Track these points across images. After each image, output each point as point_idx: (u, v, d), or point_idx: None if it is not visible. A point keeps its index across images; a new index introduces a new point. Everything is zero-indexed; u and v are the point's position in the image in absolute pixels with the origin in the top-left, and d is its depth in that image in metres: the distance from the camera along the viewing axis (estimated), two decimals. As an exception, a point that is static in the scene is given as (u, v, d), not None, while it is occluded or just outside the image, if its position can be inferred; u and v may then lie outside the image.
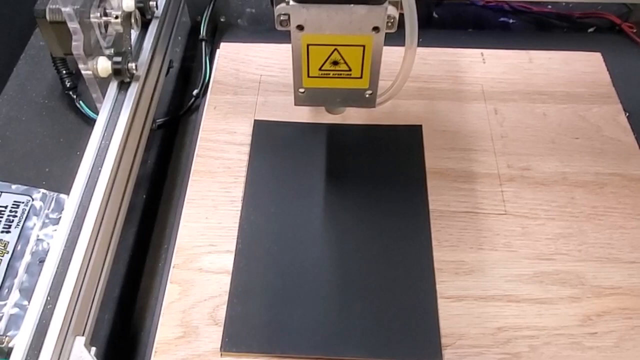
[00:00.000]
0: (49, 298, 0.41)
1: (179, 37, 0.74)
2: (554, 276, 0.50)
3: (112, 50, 0.52)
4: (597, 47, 0.68)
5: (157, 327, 0.48)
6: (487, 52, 0.67)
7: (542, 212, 0.54)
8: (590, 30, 0.76)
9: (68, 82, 0.65)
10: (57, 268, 0.42)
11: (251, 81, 0.64)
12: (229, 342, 0.46)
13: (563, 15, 0.77)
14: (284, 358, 0.46)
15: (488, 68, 0.66)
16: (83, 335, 0.42)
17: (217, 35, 0.74)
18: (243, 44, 0.68)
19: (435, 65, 0.66)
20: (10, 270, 0.52)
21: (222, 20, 0.76)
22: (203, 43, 0.71)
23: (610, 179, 0.56)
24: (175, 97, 0.69)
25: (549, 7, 0.77)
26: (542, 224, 0.53)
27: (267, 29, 0.76)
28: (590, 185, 0.56)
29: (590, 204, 0.54)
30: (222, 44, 0.68)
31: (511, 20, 0.78)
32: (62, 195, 0.58)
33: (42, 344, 0.39)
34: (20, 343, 0.39)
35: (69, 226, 0.44)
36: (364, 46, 0.43)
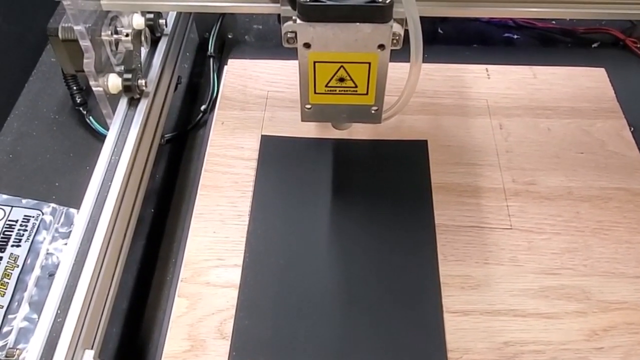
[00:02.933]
0: (59, 311, 0.41)
1: (187, 53, 0.75)
2: (560, 291, 0.50)
3: (122, 67, 0.53)
4: (601, 62, 0.69)
5: (164, 341, 0.48)
6: (492, 67, 0.68)
7: (548, 226, 0.54)
8: (594, 45, 0.77)
9: (78, 98, 0.66)
10: (67, 282, 0.43)
11: (258, 97, 0.65)
12: (236, 356, 0.46)
13: (567, 30, 0.78)
14: (291, 372, 0.47)
15: (492, 83, 0.66)
16: (92, 348, 0.43)
17: (224, 51, 0.75)
18: (250, 60, 0.69)
19: (440, 81, 0.66)
20: (20, 284, 0.53)
21: (229, 36, 0.77)
22: (211, 59, 0.72)
23: (615, 194, 0.56)
24: (183, 112, 0.70)
25: (553, 22, 0.78)
26: (547, 238, 0.53)
27: (273, 45, 0.77)
28: (595, 199, 0.56)
29: (595, 218, 0.54)
30: (230, 61, 0.69)
31: (515, 36, 0.78)
32: (72, 210, 0.59)
33: (52, 357, 0.39)
34: (30, 356, 0.39)
35: (79, 240, 0.45)
36: (369, 63, 0.44)
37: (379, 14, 0.40)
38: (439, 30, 0.79)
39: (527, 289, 0.50)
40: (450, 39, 0.78)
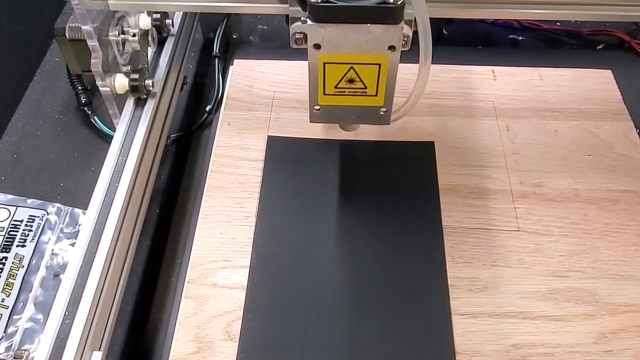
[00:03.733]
0: (67, 313, 0.41)
1: (192, 54, 0.75)
2: (568, 293, 0.50)
3: (129, 68, 0.52)
4: (606, 63, 0.69)
5: (171, 342, 0.48)
6: (498, 69, 0.68)
7: (555, 228, 0.54)
8: (600, 47, 0.76)
9: (83, 97, 0.66)
10: (75, 283, 0.42)
11: (264, 97, 0.64)
12: (244, 358, 0.46)
13: (572, 32, 0.78)
14: (299, 374, 0.46)
15: (499, 85, 0.66)
16: (100, 350, 0.42)
17: (229, 51, 0.75)
18: (256, 60, 0.68)
19: (447, 82, 0.66)
20: (25, 284, 0.53)
21: (234, 37, 0.76)
22: (216, 59, 0.71)
23: (623, 196, 0.56)
24: (188, 112, 0.70)
25: (558, 24, 0.78)
26: (555, 240, 0.53)
27: (278, 45, 0.76)
28: (603, 202, 0.56)
29: (603, 220, 0.54)
30: (236, 61, 0.69)
31: (520, 37, 0.78)
32: (77, 210, 0.58)
33: (60, 359, 0.39)
34: (38, 357, 0.39)
35: (86, 241, 0.44)
36: (379, 65, 0.44)
37: (390, 15, 0.40)
38: (444, 32, 0.79)
39: (535, 291, 0.50)
40: (455, 41, 0.78)
